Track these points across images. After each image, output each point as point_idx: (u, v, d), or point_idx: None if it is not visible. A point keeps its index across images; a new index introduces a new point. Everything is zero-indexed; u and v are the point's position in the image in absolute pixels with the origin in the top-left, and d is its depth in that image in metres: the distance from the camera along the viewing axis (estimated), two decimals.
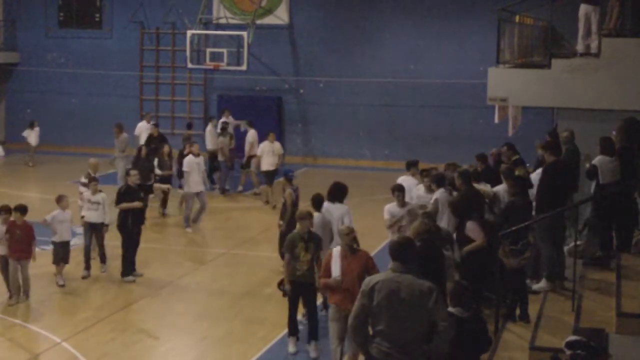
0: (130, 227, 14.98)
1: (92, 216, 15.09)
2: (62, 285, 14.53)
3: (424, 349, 7.31)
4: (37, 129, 27.32)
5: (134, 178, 15.32)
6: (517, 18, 16.77)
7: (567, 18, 16.27)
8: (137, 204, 15.01)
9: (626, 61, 14.46)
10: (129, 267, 15.09)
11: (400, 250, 7.47)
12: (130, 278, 15.00)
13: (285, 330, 12.46)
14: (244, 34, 27.06)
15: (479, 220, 11.40)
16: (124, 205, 14.94)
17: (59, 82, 30.71)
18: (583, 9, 14.89)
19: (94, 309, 13.66)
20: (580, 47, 15.08)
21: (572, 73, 14.58)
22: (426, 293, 7.26)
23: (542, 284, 11.70)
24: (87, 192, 15.25)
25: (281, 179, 15.96)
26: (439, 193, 12.66)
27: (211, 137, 23.54)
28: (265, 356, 11.85)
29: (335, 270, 10.18)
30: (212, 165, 23.24)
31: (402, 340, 7.30)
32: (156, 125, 23.52)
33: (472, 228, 11.28)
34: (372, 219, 17.33)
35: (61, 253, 14.56)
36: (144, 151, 20.16)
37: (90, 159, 17.09)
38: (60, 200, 14.68)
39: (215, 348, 12.23)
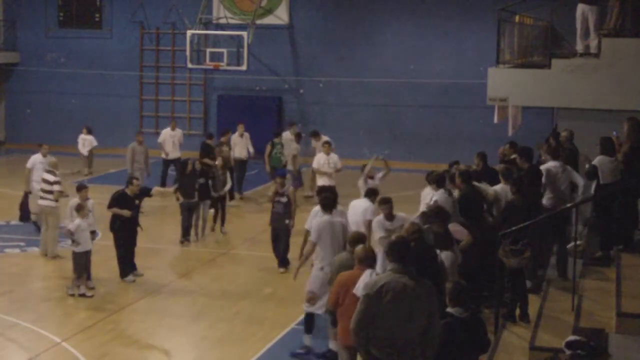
0: (117, 230, 14.89)
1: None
2: (91, 295, 14.00)
3: (422, 349, 7.35)
4: (82, 136, 25.74)
5: (135, 188, 14.96)
6: (517, 18, 16.78)
7: (567, 18, 16.29)
8: (126, 212, 14.72)
9: (626, 61, 14.47)
10: (126, 267, 15.03)
11: (399, 251, 7.49)
12: (130, 278, 14.97)
13: (285, 331, 12.51)
14: (244, 34, 27.07)
15: (460, 221, 11.40)
16: (115, 210, 14.80)
17: (59, 82, 30.69)
18: (580, 8, 14.91)
19: (94, 309, 13.64)
20: (579, 47, 15.10)
21: (572, 73, 14.60)
22: (430, 294, 7.33)
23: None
24: (74, 200, 14.71)
25: (277, 179, 15.79)
26: (439, 194, 12.63)
27: (239, 146, 22.30)
28: (265, 356, 11.85)
29: None
30: (240, 174, 22.25)
31: (404, 341, 7.31)
32: (211, 135, 22.20)
33: (455, 230, 11.29)
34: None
35: (84, 263, 14.09)
36: (197, 165, 17.86)
37: (51, 159, 16.93)
38: (80, 208, 14.27)
39: (215, 348, 12.23)
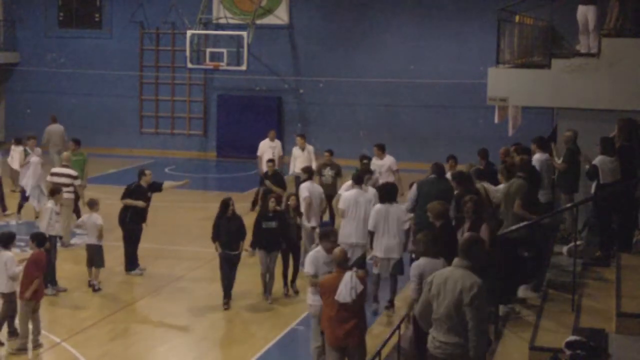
0: (128, 223, 15.13)
1: (57, 229, 14.26)
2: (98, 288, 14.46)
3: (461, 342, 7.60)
4: (13, 147, 21.42)
5: (148, 178, 15.39)
6: (517, 18, 16.77)
7: (567, 18, 16.29)
8: (140, 203, 15.10)
9: (626, 61, 14.46)
10: (133, 261, 15.31)
11: (468, 247, 7.73)
12: (137, 271, 15.27)
13: (285, 331, 12.51)
14: (244, 34, 27.08)
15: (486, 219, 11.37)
16: (128, 201, 15.12)
17: (59, 82, 30.70)
18: (580, 9, 14.93)
19: (94, 308, 13.66)
20: (579, 47, 15.10)
21: (572, 73, 14.58)
22: (467, 289, 7.49)
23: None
24: (51, 203, 14.26)
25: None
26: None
27: (300, 160, 19.03)
28: (265, 356, 11.85)
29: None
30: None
31: (445, 331, 7.62)
32: (331, 152, 18.25)
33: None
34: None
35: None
36: (292, 201, 14.54)
37: (65, 153, 17.34)
38: (93, 204, 14.66)
39: (215, 348, 12.23)
